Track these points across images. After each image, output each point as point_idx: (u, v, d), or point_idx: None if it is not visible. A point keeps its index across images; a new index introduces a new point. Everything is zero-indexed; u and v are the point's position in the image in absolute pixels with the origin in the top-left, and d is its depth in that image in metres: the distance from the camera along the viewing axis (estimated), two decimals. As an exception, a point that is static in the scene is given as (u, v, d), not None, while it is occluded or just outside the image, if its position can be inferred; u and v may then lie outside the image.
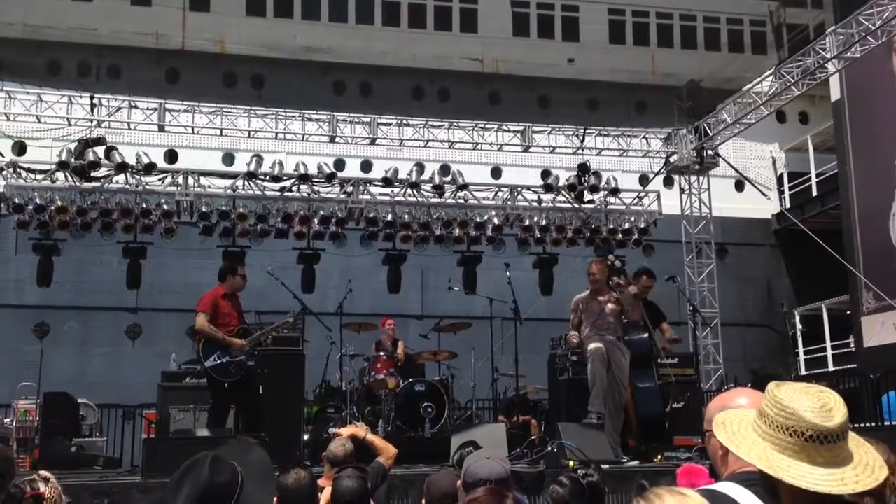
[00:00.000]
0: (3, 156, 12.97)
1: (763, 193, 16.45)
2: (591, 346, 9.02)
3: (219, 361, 8.59)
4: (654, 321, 9.73)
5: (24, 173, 12.50)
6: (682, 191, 15.78)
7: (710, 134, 14.73)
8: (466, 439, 6.48)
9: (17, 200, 12.24)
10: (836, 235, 16.17)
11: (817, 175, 18.76)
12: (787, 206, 19.22)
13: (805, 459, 1.91)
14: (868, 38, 11.91)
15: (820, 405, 1.93)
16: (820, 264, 15.99)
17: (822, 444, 1.91)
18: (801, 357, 18.32)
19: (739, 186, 18.64)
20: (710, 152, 15.06)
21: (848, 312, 17.05)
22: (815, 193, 18.79)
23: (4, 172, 12.35)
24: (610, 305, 9.21)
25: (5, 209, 12.41)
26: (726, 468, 2.52)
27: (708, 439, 2.68)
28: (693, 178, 15.65)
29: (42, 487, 3.24)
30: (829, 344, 17.83)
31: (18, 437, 10.25)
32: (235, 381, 8.67)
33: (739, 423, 2.08)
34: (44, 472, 3.38)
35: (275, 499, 4.02)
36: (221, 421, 8.88)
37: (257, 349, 9.07)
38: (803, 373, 17.47)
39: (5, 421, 10.66)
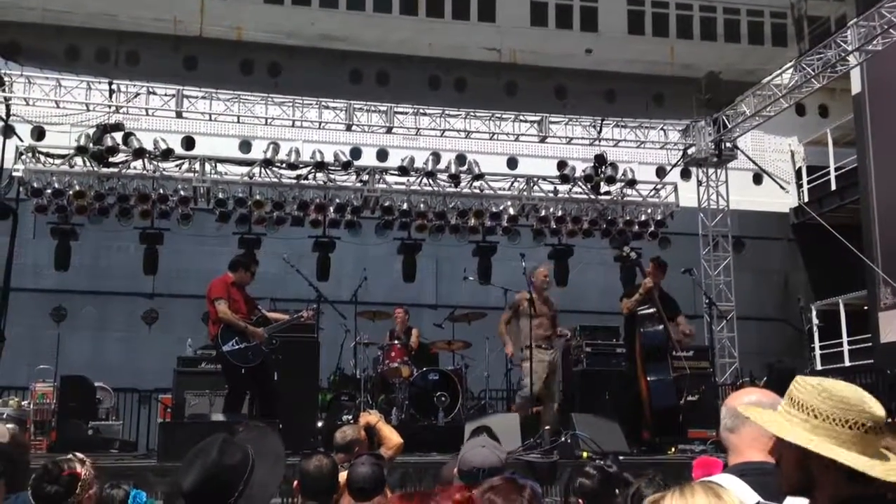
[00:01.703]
0: (22, 140, 13.04)
1: (781, 187, 16.36)
2: (533, 363, 9.58)
3: (237, 347, 8.64)
4: (670, 314, 9.70)
5: (42, 158, 12.58)
6: (699, 183, 15.71)
7: (729, 126, 14.64)
8: (473, 429, 6.48)
9: (35, 185, 12.35)
10: (854, 230, 16.03)
11: (836, 169, 18.57)
12: (806, 199, 19.07)
13: (862, 451, 1.90)
14: (890, 30, 11.79)
15: (864, 396, 1.93)
16: (838, 259, 15.87)
17: (875, 435, 1.91)
18: (818, 352, 18.20)
19: (757, 179, 18.50)
20: (728, 145, 14.98)
21: (865, 308, 16.93)
22: (833, 187, 18.61)
23: (23, 157, 12.43)
24: (546, 311, 9.87)
25: (24, 193, 12.50)
26: (729, 461, 2.59)
27: (721, 435, 2.73)
28: (711, 170, 15.57)
29: (79, 468, 3.29)
30: (845, 339, 17.71)
31: (36, 420, 10.33)
32: (253, 366, 8.72)
33: (773, 417, 2.04)
34: (80, 455, 3.44)
35: (295, 482, 4.05)
36: (237, 406, 8.94)
37: (275, 338, 9.12)
38: (819, 368, 17.36)
39: (23, 403, 10.75)
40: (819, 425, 1.92)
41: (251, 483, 2.26)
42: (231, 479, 2.24)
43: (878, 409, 1.91)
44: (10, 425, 6.55)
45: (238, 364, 8.71)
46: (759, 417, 2.06)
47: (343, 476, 4.40)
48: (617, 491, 4.27)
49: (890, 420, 2.01)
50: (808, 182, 19.49)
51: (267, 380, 9.08)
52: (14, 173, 12.39)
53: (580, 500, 4.04)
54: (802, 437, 1.93)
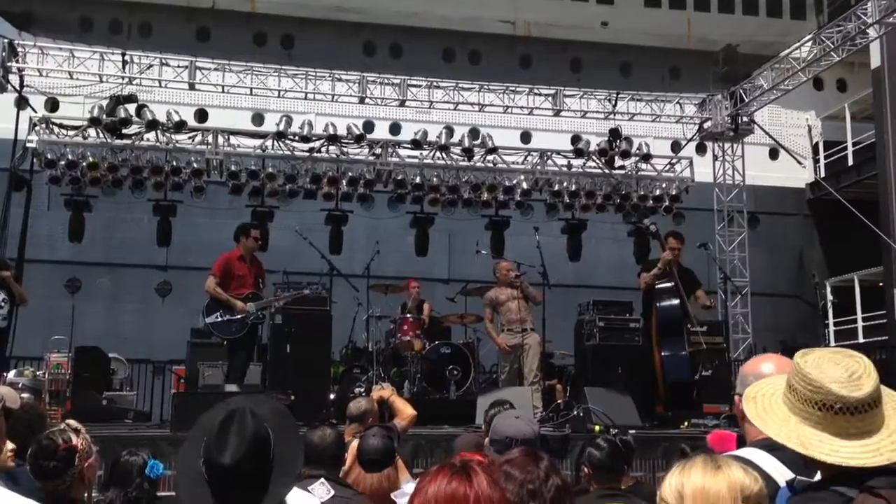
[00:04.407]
0: (35, 111, 13.02)
1: (798, 162, 16.19)
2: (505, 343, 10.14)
3: (219, 319, 9.02)
4: (689, 288, 9.66)
5: (56, 129, 12.57)
6: (714, 158, 15.57)
7: (746, 100, 14.46)
8: (493, 400, 6.48)
9: (49, 156, 12.34)
10: (871, 206, 15.88)
11: (854, 144, 18.39)
12: (822, 175, 18.89)
13: (836, 432, 1.89)
14: (913, 2, 11.58)
15: (848, 375, 1.91)
16: (853, 235, 15.74)
17: (852, 416, 1.89)
18: (832, 328, 18.12)
19: (773, 154, 18.34)
20: (744, 119, 14.80)
21: (881, 284, 16.82)
22: (850, 162, 18.43)
23: (37, 128, 12.42)
24: (515, 300, 10.14)
25: (38, 164, 12.51)
26: (749, 434, 2.53)
27: (737, 403, 2.67)
28: (726, 145, 15.42)
29: (74, 439, 3.28)
30: (860, 315, 17.62)
31: (51, 390, 10.40)
32: (236, 339, 9.00)
33: (771, 395, 2.06)
34: (73, 423, 3.41)
35: None
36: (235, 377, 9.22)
37: (262, 312, 9.36)
38: (833, 344, 17.29)
39: (38, 373, 10.83)
40: (797, 405, 1.94)
41: (278, 451, 2.21)
42: (266, 448, 2.19)
43: (846, 391, 1.88)
44: (25, 394, 6.59)
45: (219, 335, 9.03)
46: (751, 407, 2.10)
47: (354, 447, 4.41)
48: (626, 466, 4.28)
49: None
50: (825, 157, 19.31)
51: (247, 353, 9.37)
52: (28, 144, 12.38)
53: (587, 469, 4.07)
54: (775, 424, 1.97)
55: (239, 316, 9.03)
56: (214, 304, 9.13)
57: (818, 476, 2.01)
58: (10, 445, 3.10)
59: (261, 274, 9.55)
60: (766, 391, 2.09)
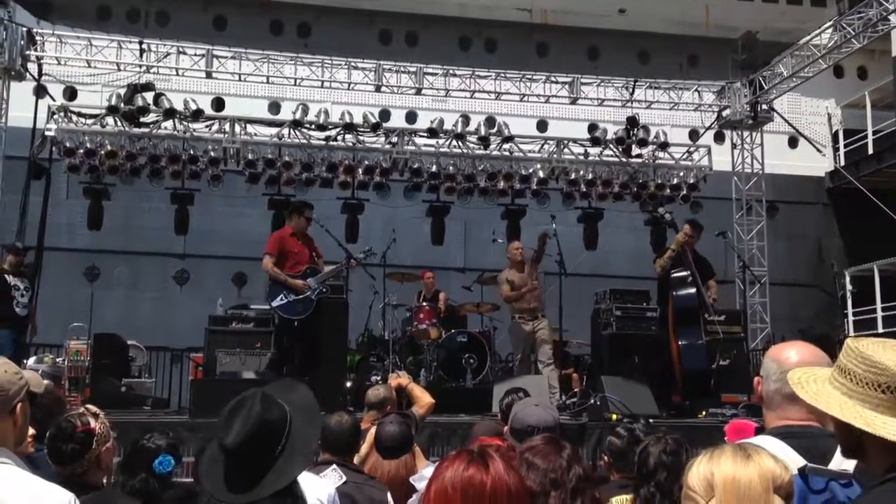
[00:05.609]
0: (54, 100, 13.10)
1: (818, 150, 16.03)
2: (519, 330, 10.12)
3: (285, 301, 8.84)
4: (703, 278, 9.61)
5: (74, 117, 12.64)
6: (733, 146, 15.45)
7: (765, 88, 14.33)
8: (508, 388, 6.48)
9: (67, 144, 12.42)
10: (891, 195, 15.69)
11: (874, 132, 18.17)
12: (842, 163, 18.69)
13: None
14: (936, -12, 11.42)
15: None
16: (873, 224, 15.57)
17: None
18: (850, 318, 17.96)
19: (793, 143, 18.16)
20: (764, 107, 14.67)
21: (901, 274, 16.66)
22: (871, 151, 18.21)
23: (56, 116, 12.49)
24: (528, 282, 10.06)
25: (56, 153, 12.59)
26: (767, 421, 2.51)
27: (755, 388, 2.66)
28: (745, 133, 15.29)
29: (92, 423, 3.30)
30: (879, 305, 17.43)
31: (70, 377, 10.49)
32: (304, 319, 8.87)
33: (814, 380, 2.03)
34: (92, 408, 3.43)
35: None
36: (281, 364, 9.10)
37: (324, 287, 9.21)
38: (851, 334, 17.14)
39: (57, 360, 10.92)
40: (854, 389, 1.89)
41: (292, 436, 2.24)
42: (274, 433, 2.22)
43: None
44: (45, 381, 6.64)
45: (288, 317, 8.87)
46: (802, 391, 2.03)
47: (371, 434, 4.42)
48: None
49: None
50: (845, 146, 19.08)
51: (310, 336, 9.21)
52: (47, 133, 12.46)
53: (607, 457, 4.06)
54: (835, 405, 1.90)
55: (302, 295, 8.89)
56: (276, 287, 8.93)
57: (841, 464, 1.97)
58: (29, 430, 3.11)
59: (315, 250, 9.48)
60: (809, 378, 2.05)
